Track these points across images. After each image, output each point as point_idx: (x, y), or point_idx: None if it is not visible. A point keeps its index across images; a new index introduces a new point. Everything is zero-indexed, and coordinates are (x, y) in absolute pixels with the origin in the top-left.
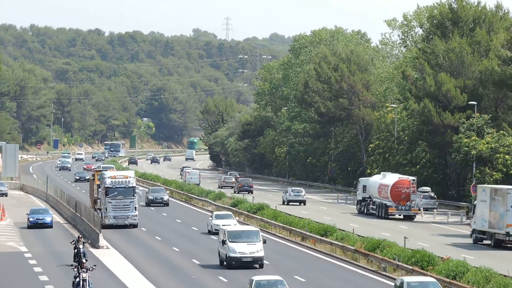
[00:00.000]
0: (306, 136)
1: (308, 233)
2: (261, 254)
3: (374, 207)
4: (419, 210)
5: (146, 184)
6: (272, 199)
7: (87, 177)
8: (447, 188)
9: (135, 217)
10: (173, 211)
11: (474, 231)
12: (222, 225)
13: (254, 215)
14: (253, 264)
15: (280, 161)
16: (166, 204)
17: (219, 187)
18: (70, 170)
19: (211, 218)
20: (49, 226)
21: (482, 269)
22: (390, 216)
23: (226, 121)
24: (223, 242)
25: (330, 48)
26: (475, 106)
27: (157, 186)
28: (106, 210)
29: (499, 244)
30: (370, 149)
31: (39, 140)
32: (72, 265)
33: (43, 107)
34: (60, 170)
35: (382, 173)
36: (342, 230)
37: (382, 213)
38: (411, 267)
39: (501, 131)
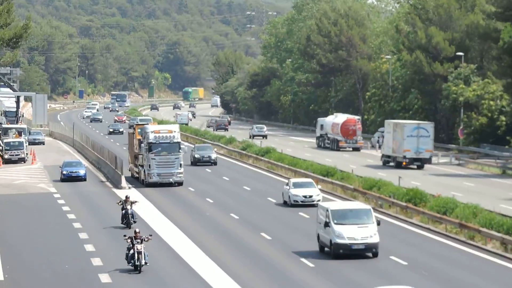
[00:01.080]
0: (309, 86)
1: (312, 174)
2: (375, 239)
3: (329, 141)
4: (374, 146)
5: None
6: (279, 143)
7: (121, 130)
8: (437, 132)
9: (181, 174)
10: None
11: (383, 155)
12: (304, 195)
13: (262, 158)
14: (365, 252)
15: (285, 109)
16: (214, 163)
17: (207, 126)
18: (101, 122)
19: (287, 187)
20: (82, 179)
21: (469, 205)
22: (340, 149)
23: (236, 72)
24: (326, 224)
25: (330, 5)
26: (462, 56)
27: (203, 144)
28: (150, 167)
29: (399, 164)
30: (367, 97)
31: (65, 91)
32: (125, 236)
33: (69, 60)
34: (91, 122)
35: (334, 113)
36: (342, 171)
37: (335, 146)
38: (405, 204)
39: (486, 80)
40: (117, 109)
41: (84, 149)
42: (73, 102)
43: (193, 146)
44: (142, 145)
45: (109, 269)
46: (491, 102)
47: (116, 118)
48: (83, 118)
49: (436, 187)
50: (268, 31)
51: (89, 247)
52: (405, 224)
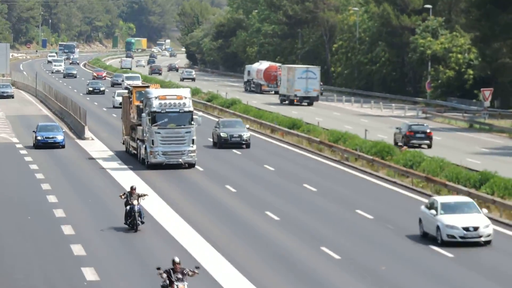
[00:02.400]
0: (275, 37)
1: (277, 126)
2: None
3: (254, 86)
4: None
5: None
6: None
7: (102, 88)
8: (404, 85)
9: (193, 154)
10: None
11: (280, 95)
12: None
13: (228, 109)
14: None
15: (251, 60)
16: (246, 145)
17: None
18: (76, 77)
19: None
20: (60, 145)
21: (436, 159)
22: (264, 92)
23: (201, 23)
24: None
25: None
26: (430, 9)
27: (230, 118)
28: (153, 144)
29: (292, 102)
30: (334, 49)
31: (28, 40)
32: (159, 270)
33: (32, 9)
34: (64, 77)
35: (259, 61)
36: (308, 123)
37: (259, 90)
38: (371, 157)
39: (454, 33)
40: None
41: (47, 99)
42: (36, 51)
43: (218, 120)
44: (143, 114)
45: (71, 222)
46: (459, 56)
47: (94, 74)
48: (52, 72)
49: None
50: None
51: (52, 198)
52: (371, 177)
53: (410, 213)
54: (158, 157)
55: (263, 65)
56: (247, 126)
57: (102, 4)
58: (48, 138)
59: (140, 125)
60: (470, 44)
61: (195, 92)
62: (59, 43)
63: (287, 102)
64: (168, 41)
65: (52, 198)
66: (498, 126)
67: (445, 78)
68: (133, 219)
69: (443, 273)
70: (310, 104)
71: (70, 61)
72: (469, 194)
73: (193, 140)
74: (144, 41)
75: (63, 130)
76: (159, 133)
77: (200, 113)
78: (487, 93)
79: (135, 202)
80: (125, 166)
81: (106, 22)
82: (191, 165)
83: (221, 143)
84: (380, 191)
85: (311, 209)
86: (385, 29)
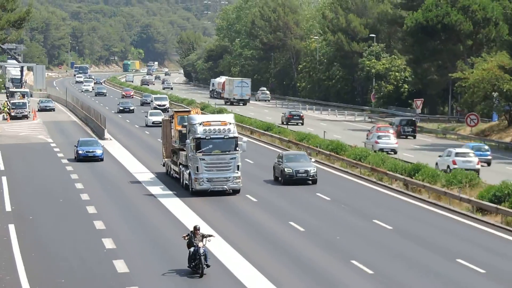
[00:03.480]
0: (253, 59)
1: (255, 129)
2: None
3: (216, 93)
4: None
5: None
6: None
7: (131, 108)
8: (354, 96)
9: (238, 180)
10: None
11: (224, 98)
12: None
13: (203, 111)
14: None
15: (235, 77)
16: (313, 180)
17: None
18: (106, 96)
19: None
20: (99, 159)
21: (379, 154)
22: (222, 98)
23: (196, 49)
24: None
25: None
26: (374, 37)
27: (294, 151)
28: (197, 170)
29: (232, 103)
30: (299, 68)
31: (60, 63)
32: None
33: (62, 38)
34: (96, 96)
35: (220, 76)
36: (279, 126)
37: (219, 96)
38: (328, 152)
39: (393, 56)
40: (91, 78)
41: (75, 108)
42: (66, 71)
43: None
44: (187, 141)
45: (125, 257)
46: (397, 74)
47: (123, 93)
48: (82, 91)
49: (354, 140)
50: (221, 16)
51: (79, 185)
52: (329, 168)
53: (359, 195)
54: (203, 183)
55: (221, 79)
56: (312, 159)
57: (118, 34)
58: (89, 152)
59: (182, 149)
60: (405, 64)
61: (190, 103)
62: (74, 65)
63: (229, 103)
64: (155, 63)
65: (98, 224)
66: (427, 128)
67: (386, 91)
68: (198, 262)
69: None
70: (244, 104)
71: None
72: (404, 181)
73: (238, 166)
74: (137, 63)
75: (102, 145)
76: (203, 159)
77: (245, 139)
78: (418, 102)
79: (200, 244)
80: (170, 192)
81: (121, 48)
82: (236, 191)
83: (286, 179)
84: (335, 179)
85: (278, 191)
86: (339, 53)
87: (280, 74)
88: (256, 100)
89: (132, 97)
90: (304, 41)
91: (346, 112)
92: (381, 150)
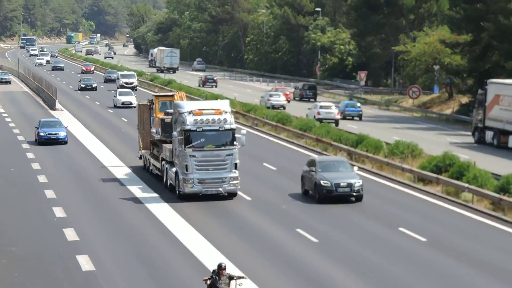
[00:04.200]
0: (202, 32)
1: (204, 100)
2: None
3: (153, 63)
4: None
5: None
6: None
7: (94, 85)
8: (300, 69)
9: (235, 181)
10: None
11: (156, 67)
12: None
13: (165, 87)
14: None
15: (183, 50)
16: (357, 197)
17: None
18: (63, 70)
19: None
20: (63, 142)
21: (324, 125)
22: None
23: (146, 21)
24: None
25: None
26: (320, 11)
27: (331, 157)
28: (187, 169)
29: (162, 71)
30: (247, 41)
31: (12, 34)
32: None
33: (14, 10)
34: (53, 70)
35: (157, 47)
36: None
37: (156, 65)
38: (275, 123)
39: (338, 29)
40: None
41: (26, 79)
42: (18, 42)
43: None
44: (174, 133)
45: (44, 172)
46: (341, 47)
47: (83, 68)
48: (35, 65)
49: (300, 111)
50: None
51: (30, 155)
52: (275, 138)
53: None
54: (194, 186)
55: (167, 50)
56: (356, 167)
57: (69, 6)
58: (51, 134)
59: (165, 142)
60: (349, 38)
61: (140, 74)
62: (21, 37)
63: (160, 71)
64: (98, 35)
65: (30, 155)
66: (371, 100)
67: (331, 64)
68: None
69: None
70: (173, 72)
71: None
72: (348, 151)
73: (235, 164)
74: (80, 35)
75: (66, 126)
76: (194, 156)
77: (244, 130)
78: (362, 75)
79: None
80: (154, 195)
81: (72, 20)
82: (232, 194)
83: (322, 196)
84: (282, 149)
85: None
86: (285, 27)
87: (228, 47)
88: (192, 70)
89: (93, 72)
90: (252, 14)
91: (292, 84)
92: (272, 106)
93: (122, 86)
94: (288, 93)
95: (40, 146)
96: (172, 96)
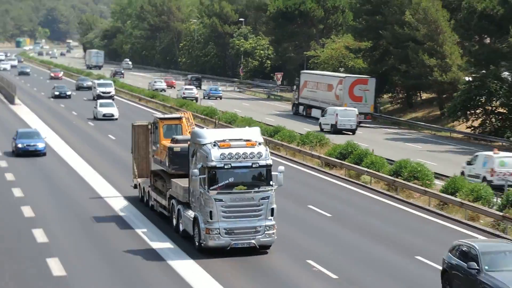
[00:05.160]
0: (142, 39)
1: (143, 96)
2: None
3: (89, 64)
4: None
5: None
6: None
7: (68, 93)
8: (226, 70)
9: (271, 231)
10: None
11: (86, 65)
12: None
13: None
14: None
15: (126, 54)
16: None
17: None
18: (29, 75)
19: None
20: (41, 153)
21: (246, 118)
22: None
23: (94, 29)
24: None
25: None
26: (243, 21)
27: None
28: (211, 217)
29: (90, 68)
30: (180, 46)
31: None
32: None
33: None
34: (19, 75)
35: (93, 49)
36: (163, 95)
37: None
38: (204, 116)
39: (258, 37)
40: None
41: None
42: None
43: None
44: (195, 170)
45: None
46: (261, 51)
47: (52, 74)
48: (1, 70)
49: (225, 106)
50: (115, 2)
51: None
52: None
53: None
54: (220, 237)
55: (94, 51)
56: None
57: (27, 15)
58: (29, 145)
59: (172, 176)
60: (268, 44)
61: (88, 74)
62: None
63: (88, 68)
64: (43, 40)
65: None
66: (286, 97)
67: (252, 66)
68: None
69: None
70: (99, 69)
71: None
72: (266, 140)
73: (272, 210)
74: (27, 40)
75: (44, 137)
76: (221, 200)
77: (282, 167)
78: (279, 75)
79: None
80: (166, 244)
81: (30, 27)
82: (266, 247)
83: None
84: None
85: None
86: (213, 34)
87: (164, 51)
88: (122, 69)
89: (61, 79)
90: (185, 23)
91: (219, 83)
92: (155, 89)
93: (99, 96)
94: (173, 81)
95: (17, 157)
96: (180, 119)
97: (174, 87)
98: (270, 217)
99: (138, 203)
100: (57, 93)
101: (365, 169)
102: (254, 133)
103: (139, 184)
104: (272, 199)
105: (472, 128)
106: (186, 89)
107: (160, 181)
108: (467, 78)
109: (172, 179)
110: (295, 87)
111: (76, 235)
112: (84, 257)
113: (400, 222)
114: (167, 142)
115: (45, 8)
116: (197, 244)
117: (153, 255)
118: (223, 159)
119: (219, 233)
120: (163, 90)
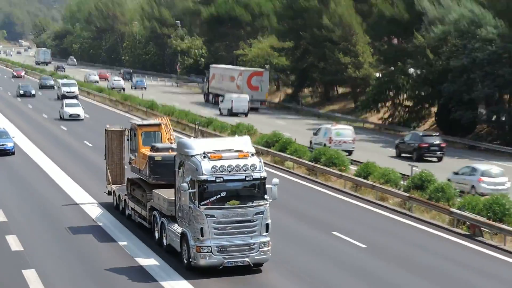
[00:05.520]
0: (89, 39)
1: (97, 93)
2: None
3: (38, 61)
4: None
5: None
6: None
7: (33, 92)
8: (165, 67)
9: (266, 248)
10: None
11: (36, 62)
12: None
13: (81, 87)
14: None
15: (76, 52)
16: None
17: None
18: None
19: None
20: (10, 153)
21: (184, 111)
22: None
23: (46, 30)
24: None
25: None
26: (180, 24)
27: None
28: (202, 234)
29: (38, 64)
30: (124, 46)
31: None
32: None
33: None
34: None
35: (42, 48)
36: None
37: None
38: (145, 109)
39: (193, 37)
40: None
41: None
42: None
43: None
44: (184, 184)
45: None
46: (196, 51)
47: (15, 73)
48: None
49: (166, 99)
50: (66, 8)
51: None
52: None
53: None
54: (212, 256)
55: (42, 49)
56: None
57: None
58: None
59: (152, 186)
60: (202, 44)
61: (51, 74)
62: None
63: (37, 64)
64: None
65: None
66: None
67: (188, 64)
68: None
69: None
70: (46, 65)
71: None
72: (201, 131)
73: (267, 225)
74: None
75: (13, 137)
76: (212, 216)
77: (277, 179)
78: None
79: None
80: (156, 262)
81: None
82: (258, 265)
83: None
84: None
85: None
86: (153, 35)
87: (110, 50)
88: (67, 64)
89: (23, 78)
90: (127, 26)
91: (158, 78)
92: (113, 88)
93: (64, 96)
94: (107, 74)
95: None
96: (159, 125)
97: (108, 80)
98: (265, 233)
99: (114, 211)
100: (22, 92)
101: (289, 156)
102: (244, 143)
103: (114, 191)
104: (266, 214)
105: (383, 119)
106: (115, 80)
107: (138, 190)
108: (377, 74)
109: (153, 190)
110: (205, 79)
111: (54, 248)
112: (65, 274)
113: (319, 202)
114: (146, 151)
115: (1, 12)
116: (185, 262)
117: (141, 274)
118: (214, 172)
119: (211, 251)
120: (97, 81)
